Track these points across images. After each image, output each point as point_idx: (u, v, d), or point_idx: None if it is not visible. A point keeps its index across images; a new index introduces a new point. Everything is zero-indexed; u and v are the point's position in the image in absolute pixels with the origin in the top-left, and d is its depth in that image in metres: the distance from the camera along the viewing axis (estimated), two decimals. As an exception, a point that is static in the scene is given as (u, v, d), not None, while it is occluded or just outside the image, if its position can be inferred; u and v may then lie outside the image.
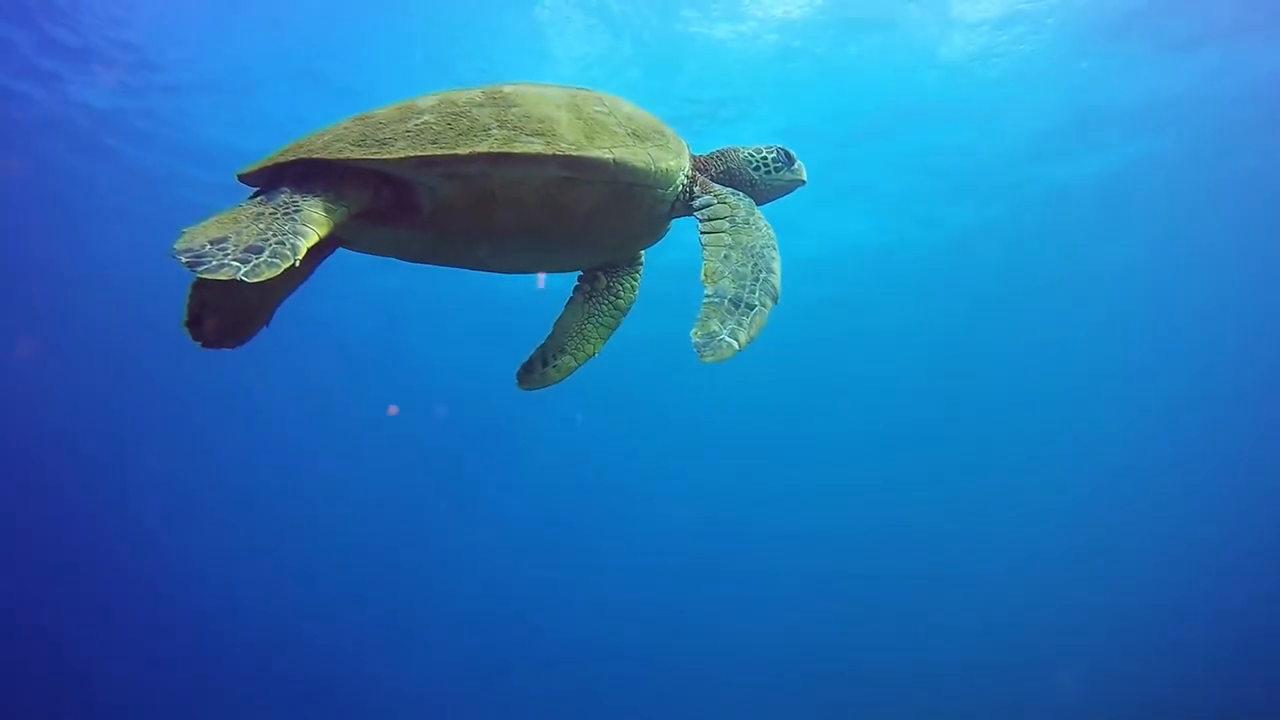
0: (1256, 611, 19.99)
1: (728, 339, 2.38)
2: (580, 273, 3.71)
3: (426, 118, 2.68)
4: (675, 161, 3.03)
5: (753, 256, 2.68)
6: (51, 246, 18.54)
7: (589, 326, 3.56)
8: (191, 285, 2.68)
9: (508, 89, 2.90)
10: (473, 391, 24.22)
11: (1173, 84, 12.77)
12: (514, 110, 2.74)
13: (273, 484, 26.06)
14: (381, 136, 2.61)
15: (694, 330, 2.43)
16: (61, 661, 18.74)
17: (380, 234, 2.92)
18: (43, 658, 18.62)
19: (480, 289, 17.70)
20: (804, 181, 3.57)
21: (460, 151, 2.56)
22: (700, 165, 3.37)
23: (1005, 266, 19.07)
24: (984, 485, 26.38)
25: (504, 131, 2.64)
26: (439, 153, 2.55)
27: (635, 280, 3.69)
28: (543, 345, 3.55)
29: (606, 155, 2.74)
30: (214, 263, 2.10)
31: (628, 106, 3.10)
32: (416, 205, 2.77)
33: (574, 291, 3.69)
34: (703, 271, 2.64)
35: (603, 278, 3.65)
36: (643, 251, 3.63)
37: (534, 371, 3.49)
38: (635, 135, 2.91)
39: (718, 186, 3.20)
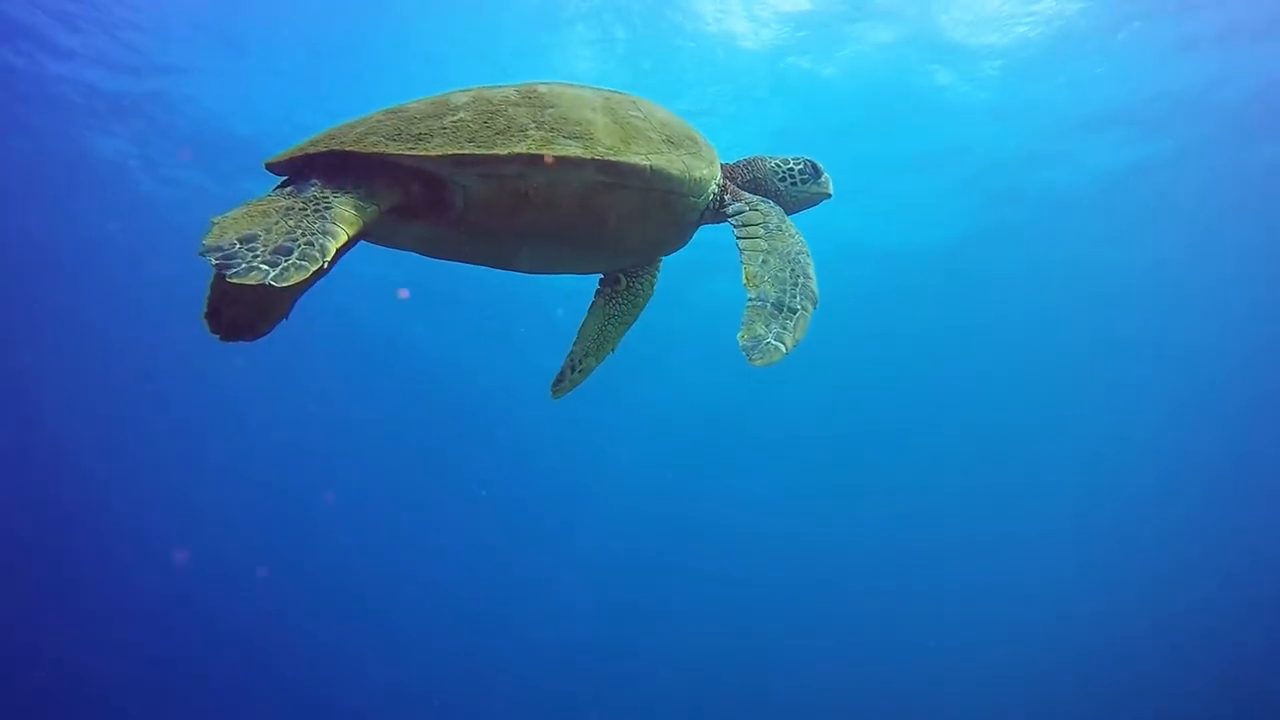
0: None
1: (774, 342, 2.40)
2: (601, 276, 3.71)
3: (462, 115, 2.63)
4: (708, 170, 3.03)
5: (790, 262, 2.70)
6: (47, 233, 18.39)
7: (610, 327, 3.66)
8: (214, 276, 2.62)
9: (542, 88, 2.85)
10: (473, 389, 24.20)
11: (1175, 84, 12.85)
12: (550, 111, 2.70)
13: (272, 482, 26.01)
14: (416, 131, 2.56)
15: (740, 334, 2.45)
16: (62, 661, 18.82)
17: (407, 230, 2.88)
18: (43, 657, 18.70)
19: (480, 283, 17.66)
20: (830, 195, 3.57)
21: (498, 151, 2.52)
22: (728, 173, 3.37)
23: (1003, 269, 19.10)
24: (979, 488, 26.26)
25: (541, 133, 2.60)
26: (476, 151, 2.51)
27: (654, 278, 3.74)
28: (570, 354, 3.65)
29: (644, 162, 2.72)
30: (243, 265, 2.06)
31: (661, 112, 3.07)
32: (446, 203, 2.72)
33: (596, 296, 3.72)
34: (743, 276, 2.66)
35: (623, 279, 3.69)
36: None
37: (564, 380, 3.64)
38: (670, 142, 2.89)
39: (747, 194, 3.21)
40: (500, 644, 23.75)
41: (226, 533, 23.75)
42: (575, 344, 3.66)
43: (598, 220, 2.85)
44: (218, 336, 2.70)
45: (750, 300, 2.56)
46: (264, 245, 2.15)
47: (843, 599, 25.12)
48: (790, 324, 2.47)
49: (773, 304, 2.54)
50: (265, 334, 2.81)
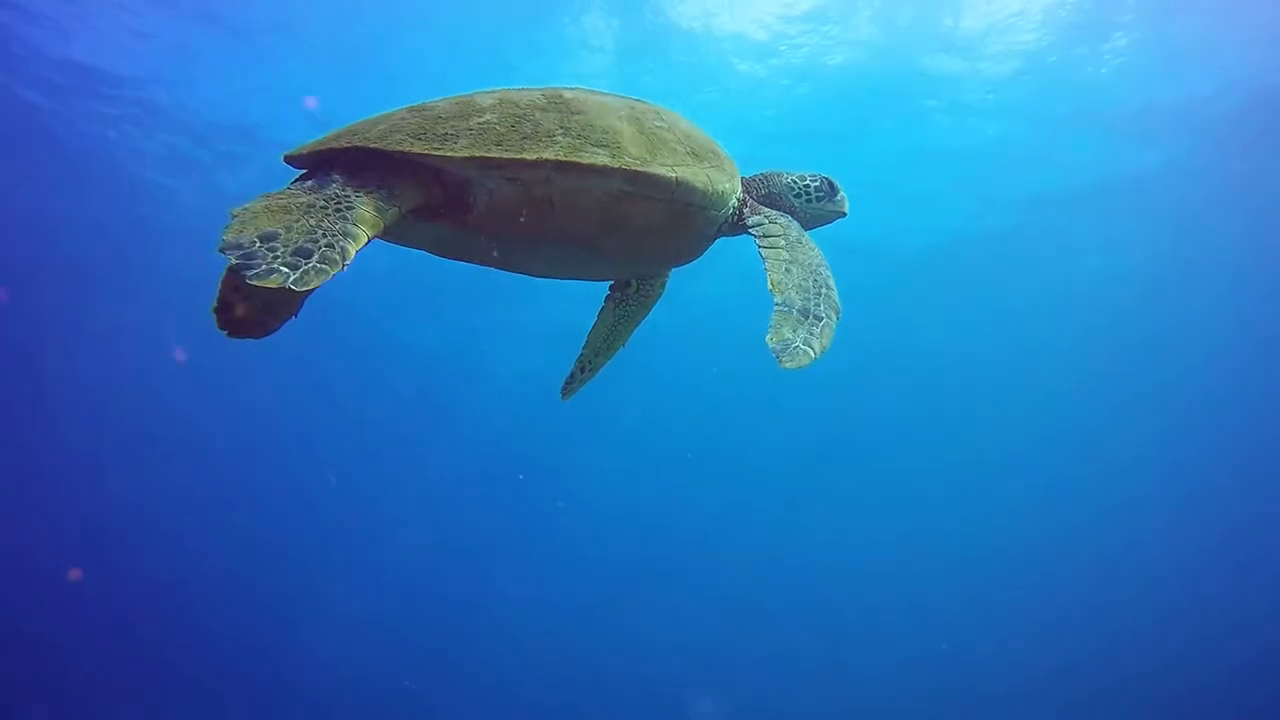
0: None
1: (803, 346, 2.44)
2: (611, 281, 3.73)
3: (488, 117, 2.60)
4: (730, 184, 3.03)
5: (811, 272, 2.75)
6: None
7: (619, 328, 3.72)
8: (227, 269, 2.55)
9: (567, 94, 2.83)
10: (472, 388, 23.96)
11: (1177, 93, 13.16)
12: (577, 118, 2.68)
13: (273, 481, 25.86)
14: (442, 132, 2.52)
15: (769, 336, 2.48)
16: (65, 662, 18.94)
17: (424, 230, 2.83)
18: (46, 658, 18.84)
19: (478, 282, 17.62)
20: (845, 213, 3.57)
21: (526, 156, 2.49)
22: (745, 187, 3.36)
23: (999, 272, 19.32)
24: (979, 488, 26.31)
25: (569, 139, 2.58)
26: (504, 155, 2.48)
27: (665, 280, 3.76)
28: (579, 357, 3.76)
29: (669, 173, 2.71)
30: (263, 266, 2.01)
31: (684, 123, 3.07)
32: (467, 204, 2.68)
33: (606, 300, 3.74)
34: (769, 282, 2.70)
35: (634, 283, 3.71)
36: None
37: (574, 381, 3.75)
38: (694, 154, 2.88)
39: (764, 209, 3.22)
40: (492, 646, 23.73)
41: (229, 532, 23.76)
42: (585, 347, 3.73)
43: (618, 229, 2.83)
44: (224, 333, 2.63)
45: (777, 305, 2.59)
46: (284, 245, 2.09)
47: (838, 601, 25.15)
48: (817, 330, 2.52)
49: (799, 310, 2.58)
50: (273, 331, 2.75)
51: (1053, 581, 23.96)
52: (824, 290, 2.68)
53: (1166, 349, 21.34)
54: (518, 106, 2.67)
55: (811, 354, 2.43)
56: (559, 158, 2.51)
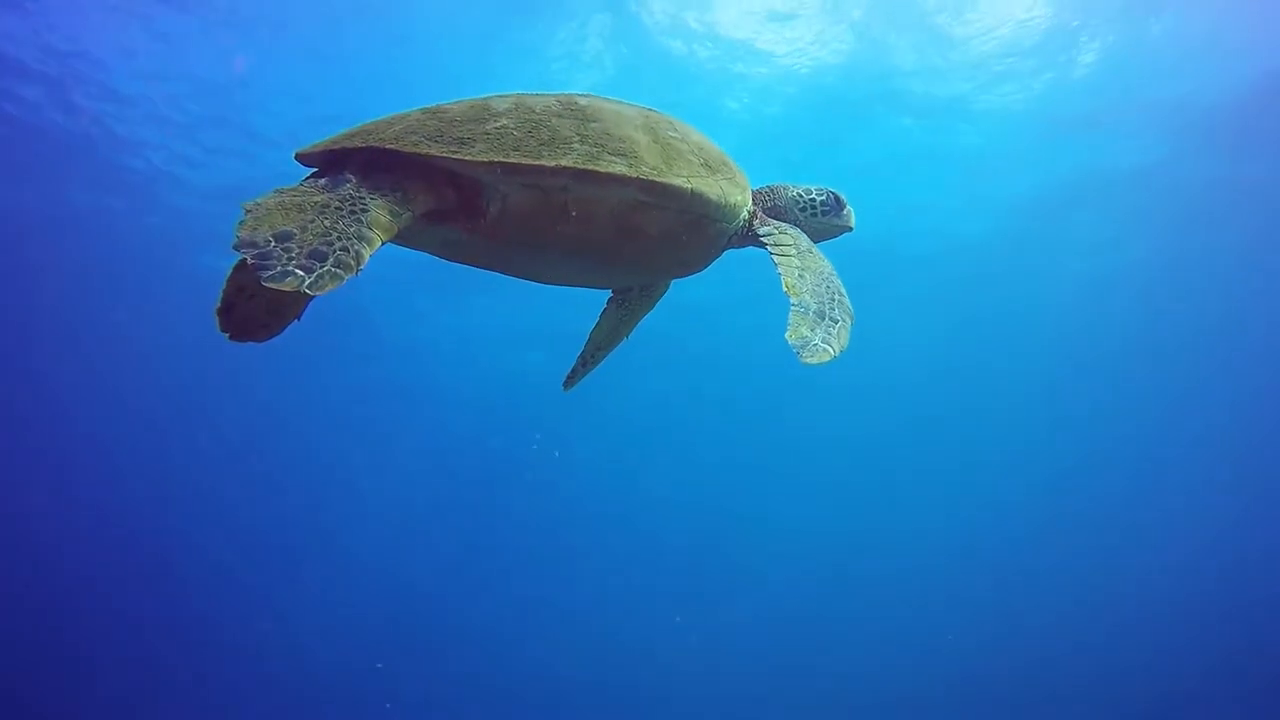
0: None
1: (822, 345, 2.50)
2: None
3: (505, 121, 2.58)
4: (742, 197, 3.06)
5: (824, 279, 2.81)
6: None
7: (622, 326, 3.76)
8: (233, 269, 2.50)
9: (582, 101, 2.83)
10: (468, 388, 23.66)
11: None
12: (594, 125, 2.68)
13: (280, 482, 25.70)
14: (459, 135, 2.49)
15: (788, 333, 2.54)
16: (72, 662, 19.10)
17: (433, 233, 2.79)
18: (50, 658, 18.98)
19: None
20: (851, 228, 3.58)
21: (545, 163, 2.48)
22: (753, 199, 3.36)
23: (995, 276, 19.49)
24: (977, 490, 26.55)
25: (586, 147, 2.57)
26: (523, 161, 2.46)
27: (668, 283, 3.77)
28: (581, 353, 3.79)
29: (685, 184, 2.72)
30: (278, 267, 1.97)
31: (696, 134, 3.08)
32: (480, 209, 2.65)
33: (608, 303, 3.75)
34: (783, 284, 2.75)
35: (637, 287, 3.71)
36: None
37: (576, 375, 3.81)
38: (707, 166, 2.90)
39: (772, 220, 3.26)
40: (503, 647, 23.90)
41: (232, 532, 23.68)
42: (587, 343, 3.76)
43: (631, 238, 2.83)
44: (227, 335, 2.57)
45: (794, 305, 2.64)
46: (299, 246, 2.05)
47: (838, 601, 25.32)
48: (834, 331, 2.58)
49: (814, 312, 2.63)
50: (277, 334, 2.69)
51: (1047, 581, 24.18)
52: (837, 296, 2.74)
53: (1160, 348, 21.52)
54: (534, 112, 2.66)
55: (831, 352, 2.48)
56: (577, 165, 2.50)
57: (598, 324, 3.75)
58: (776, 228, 3.12)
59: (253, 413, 23.77)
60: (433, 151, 2.42)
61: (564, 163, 2.49)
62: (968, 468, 25.90)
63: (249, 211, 2.12)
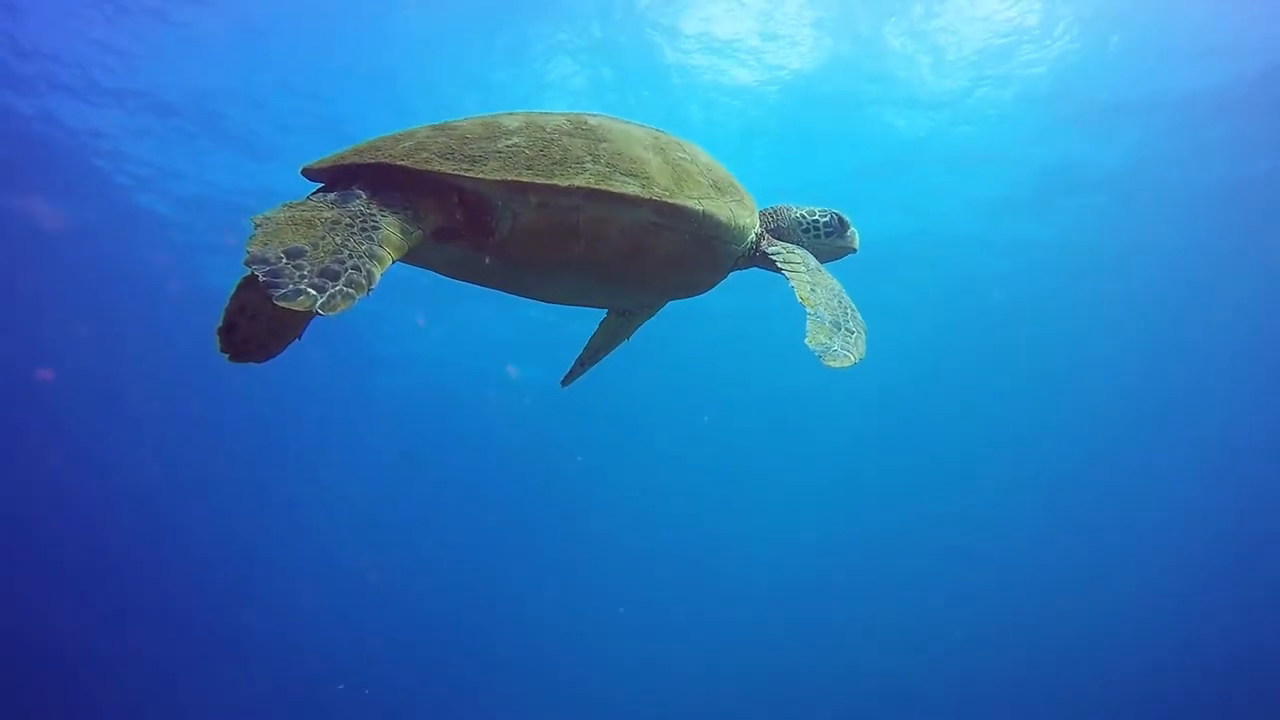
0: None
1: (843, 351, 2.58)
2: None
3: (516, 140, 2.55)
4: (750, 219, 3.06)
5: (835, 295, 2.87)
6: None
7: (622, 332, 3.78)
8: (236, 287, 2.43)
9: (592, 120, 2.81)
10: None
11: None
12: (605, 145, 2.66)
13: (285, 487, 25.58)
14: (470, 153, 2.46)
15: (808, 339, 2.60)
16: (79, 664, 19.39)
17: (440, 252, 2.74)
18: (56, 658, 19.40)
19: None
20: (855, 249, 3.57)
21: (558, 182, 2.45)
22: (759, 220, 3.36)
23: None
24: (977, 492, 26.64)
25: (599, 167, 2.55)
26: (536, 180, 2.43)
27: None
28: (580, 357, 3.83)
29: (696, 206, 2.71)
30: (290, 286, 1.91)
31: (704, 156, 3.07)
32: (488, 228, 2.60)
33: (609, 312, 3.75)
34: (798, 296, 2.81)
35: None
36: None
37: (573, 374, 3.86)
38: (717, 187, 2.89)
39: (778, 242, 3.26)
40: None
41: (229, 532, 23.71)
42: (586, 347, 3.79)
43: (640, 259, 2.80)
44: (227, 356, 2.49)
45: (810, 314, 2.69)
46: (311, 264, 2.00)
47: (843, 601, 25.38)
48: (852, 341, 2.65)
49: (830, 323, 2.69)
50: (276, 354, 2.61)
51: (1046, 581, 24.39)
52: (849, 310, 2.80)
53: (1154, 345, 21.67)
54: (545, 131, 2.63)
55: (851, 359, 2.56)
56: (590, 185, 2.47)
57: (598, 330, 3.75)
58: (784, 248, 3.15)
59: (236, 418, 23.58)
60: (444, 169, 2.38)
61: (577, 182, 2.46)
62: (959, 465, 25.99)
63: (258, 226, 2.06)
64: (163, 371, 20.69)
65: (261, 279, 1.90)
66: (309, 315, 2.60)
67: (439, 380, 22.46)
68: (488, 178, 2.38)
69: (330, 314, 1.93)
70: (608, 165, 2.57)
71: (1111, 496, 24.96)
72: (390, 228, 2.25)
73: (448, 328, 19.59)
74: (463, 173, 2.38)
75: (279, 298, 1.88)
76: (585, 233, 2.61)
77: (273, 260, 1.95)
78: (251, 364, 2.58)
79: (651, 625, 25.05)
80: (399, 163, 2.38)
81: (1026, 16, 12.25)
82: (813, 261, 3.08)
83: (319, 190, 2.49)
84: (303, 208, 2.22)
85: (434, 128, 2.61)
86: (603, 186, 2.48)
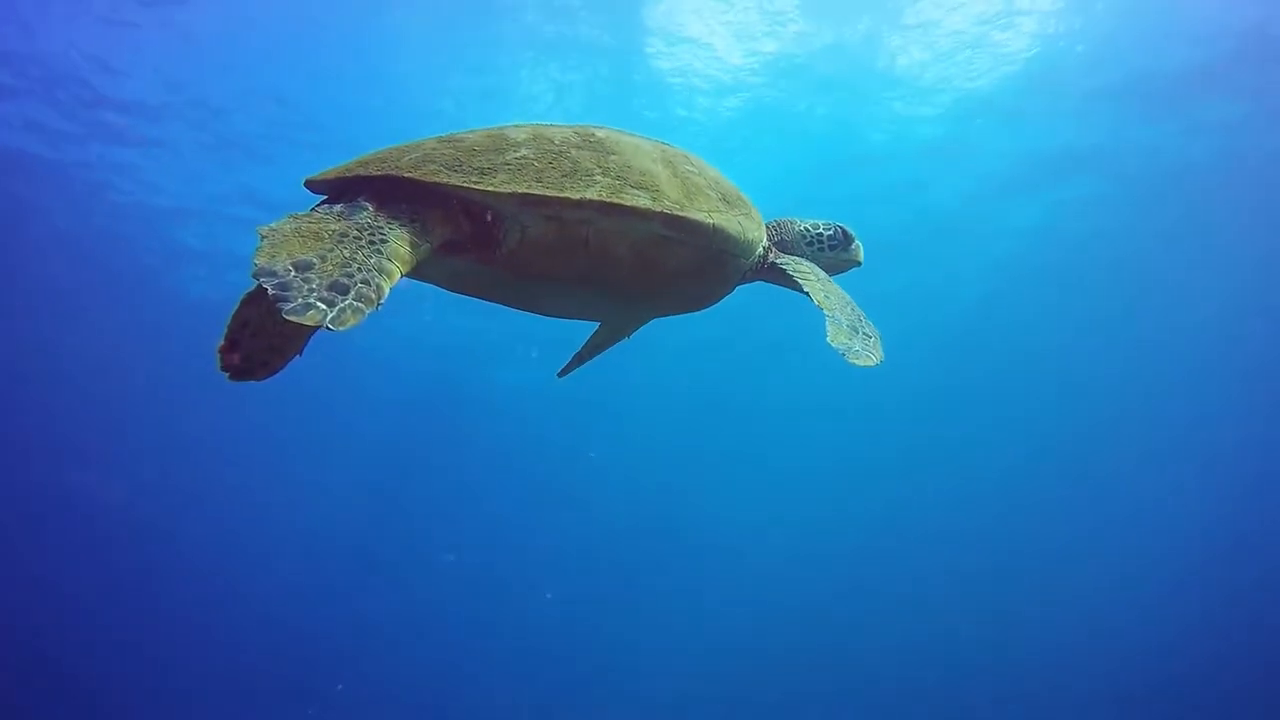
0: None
1: (864, 351, 2.64)
2: None
3: (524, 152, 2.52)
4: (758, 232, 3.06)
5: (846, 302, 2.91)
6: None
7: (622, 331, 3.75)
8: (240, 303, 2.37)
9: (599, 133, 2.79)
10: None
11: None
12: (614, 158, 2.63)
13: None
14: (478, 165, 2.42)
15: (830, 338, 2.65)
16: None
17: (445, 265, 2.70)
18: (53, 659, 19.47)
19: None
20: (860, 263, 3.58)
21: (570, 195, 2.42)
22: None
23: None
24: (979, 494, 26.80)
25: (608, 180, 2.52)
26: (547, 193, 2.39)
27: None
28: (579, 352, 3.86)
29: (707, 219, 2.69)
30: (299, 300, 1.85)
31: (711, 169, 3.06)
32: (495, 241, 2.57)
33: None
34: (814, 300, 2.88)
35: None
36: None
37: (570, 367, 3.90)
38: (726, 201, 2.88)
39: (785, 255, 3.28)
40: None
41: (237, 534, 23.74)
42: (586, 345, 3.80)
43: (648, 273, 2.77)
44: (227, 375, 2.42)
45: (829, 316, 2.76)
46: (319, 277, 1.93)
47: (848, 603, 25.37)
48: (870, 344, 2.71)
49: (848, 326, 2.74)
50: (277, 371, 2.54)
51: (1042, 579, 24.48)
52: (862, 316, 2.87)
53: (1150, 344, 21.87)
54: (553, 143, 2.60)
55: (874, 359, 2.62)
56: (602, 198, 2.44)
57: (598, 330, 3.72)
58: (793, 260, 3.18)
59: (219, 418, 23.55)
60: (453, 181, 2.34)
61: (589, 195, 2.43)
62: (952, 458, 26.10)
63: (265, 237, 2.01)
64: (148, 372, 20.69)
65: (270, 292, 1.84)
66: (313, 330, 2.54)
67: (431, 372, 22.50)
68: (498, 190, 2.35)
69: (340, 329, 1.87)
70: (617, 178, 2.54)
71: (1108, 490, 25.14)
72: (399, 241, 2.20)
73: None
74: (472, 185, 2.34)
75: (288, 312, 1.82)
76: (594, 246, 2.58)
77: (281, 273, 1.89)
78: (252, 382, 2.51)
79: (650, 625, 25.14)
80: (406, 175, 2.34)
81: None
82: (821, 273, 3.11)
83: (323, 202, 2.44)
84: (309, 219, 2.17)
85: (439, 139, 2.57)
86: (614, 199, 2.45)
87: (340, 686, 21.37)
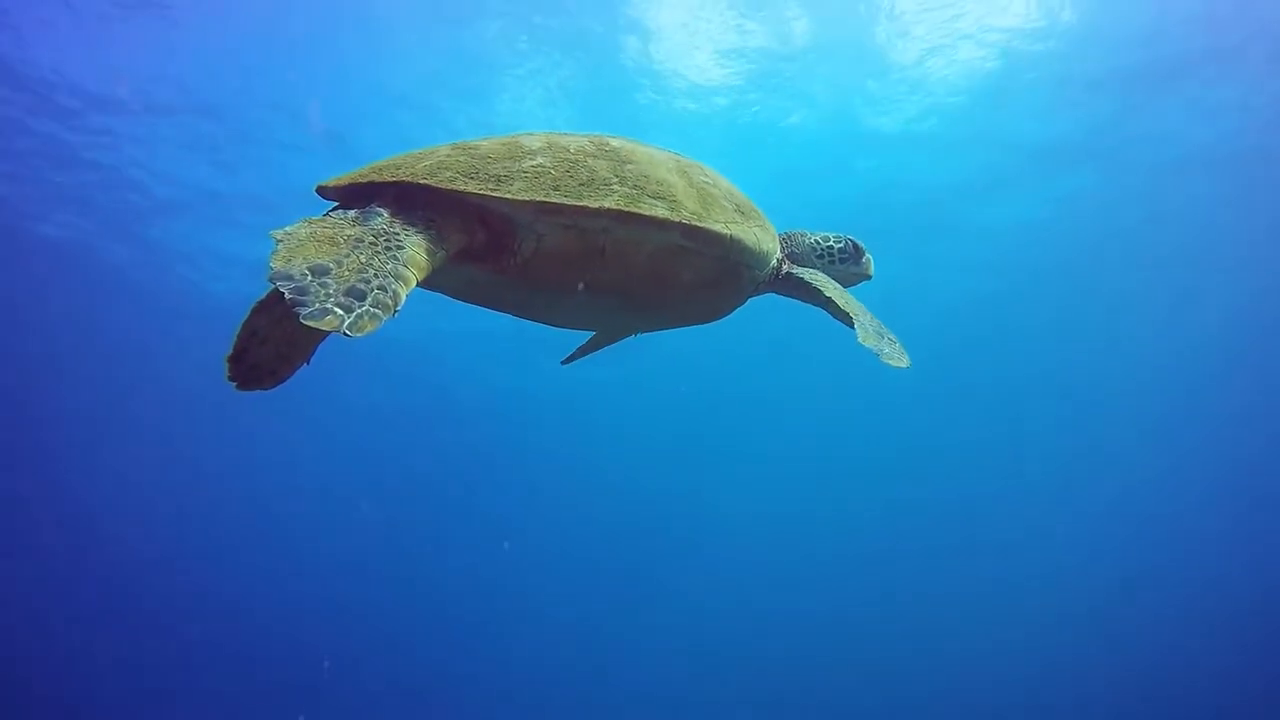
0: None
1: (894, 354, 2.78)
2: None
3: (541, 160, 2.48)
4: (773, 244, 3.06)
5: (864, 312, 2.99)
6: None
7: (629, 329, 3.75)
8: (250, 312, 2.32)
9: (614, 142, 2.77)
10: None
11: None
12: (630, 167, 2.61)
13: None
14: (495, 172, 2.38)
15: (861, 339, 2.79)
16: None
17: (457, 273, 2.65)
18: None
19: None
20: (870, 277, 3.58)
21: (588, 204, 2.39)
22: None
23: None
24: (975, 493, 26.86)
25: (625, 189, 2.50)
26: (565, 201, 2.37)
27: None
28: (583, 345, 3.86)
29: (725, 230, 2.68)
30: (316, 305, 1.81)
31: (725, 180, 3.05)
32: (509, 249, 2.52)
33: None
34: (838, 305, 2.98)
35: None
36: None
37: (574, 357, 3.93)
38: (741, 212, 2.87)
39: (797, 267, 3.29)
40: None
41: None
42: (590, 340, 3.83)
43: (663, 284, 2.75)
44: (234, 384, 2.38)
45: (856, 321, 2.87)
46: (336, 281, 1.90)
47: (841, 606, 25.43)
48: (897, 349, 2.82)
49: (874, 330, 2.86)
50: (284, 380, 2.49)
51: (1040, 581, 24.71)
52: (882, 325, 2.96)
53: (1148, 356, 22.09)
54: (568, 152, 2.57)
55: (904, 363, 2.76)
56: (620, 207, 2.42)
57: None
58: (809, 271, 3.21)
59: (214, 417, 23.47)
60: (470, 188, 2.30)
61: (607, 204, 2.41)
62: (951, 458, 26.24)
63: (280, 241, 1.98)
64: (146, 371, 20.63)
65: (288, 296, 1.81)
66: (321, 338, 2.49)
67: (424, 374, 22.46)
68: (515, 198, 2.31)
69: (357, 335, 1.82)
70: (635, 187, 2.51)
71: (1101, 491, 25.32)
72: (415, 248, 2.16)
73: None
74: (489, 192, 2.30)
75: (306, 316, 1.78)
76: (611, 256, 2.55)
77: (297, 277, 1.86)
78: (259, 390, 2.46)
79: (650, 625, 25.19)
80: (422, 181, 2.30)
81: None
82: (835, 284, 3.13)
83: (336, 208, 2.40)
84: (324, 224, 2.14)
85: (454, 147, 2.54)
86: (632, 209, 2.43)
87: (327, 663, 21.59)
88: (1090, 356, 22.35)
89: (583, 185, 2.43)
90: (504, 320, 3.25)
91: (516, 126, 13.83)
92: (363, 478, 25.64)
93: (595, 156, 2.59)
